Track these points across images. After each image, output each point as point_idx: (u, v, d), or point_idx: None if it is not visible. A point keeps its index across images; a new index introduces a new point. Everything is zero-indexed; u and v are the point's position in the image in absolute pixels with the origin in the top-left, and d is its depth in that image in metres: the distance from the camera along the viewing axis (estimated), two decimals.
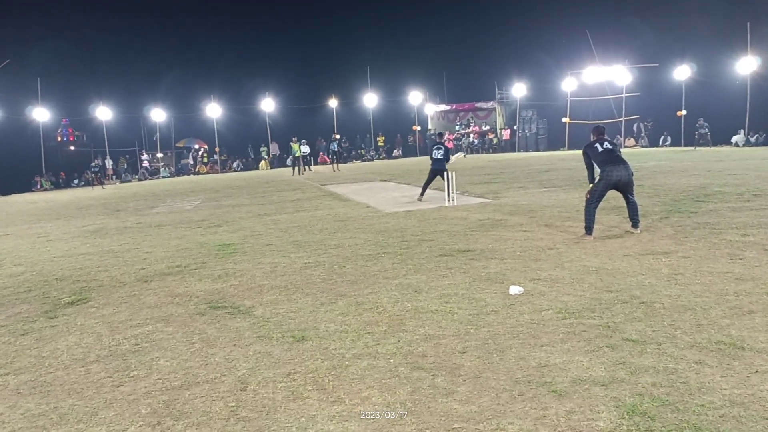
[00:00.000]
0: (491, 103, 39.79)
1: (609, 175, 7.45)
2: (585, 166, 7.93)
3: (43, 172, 33.15)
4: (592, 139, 7.88)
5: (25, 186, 31.34)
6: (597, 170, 7.59)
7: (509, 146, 37.85)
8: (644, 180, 13.63)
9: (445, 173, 12.19)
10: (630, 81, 32.13)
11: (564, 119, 34.72)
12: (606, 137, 7.86)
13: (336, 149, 30.40)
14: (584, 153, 7.92)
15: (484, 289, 5.37)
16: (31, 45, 36.01)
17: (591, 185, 7.68)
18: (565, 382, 3.40)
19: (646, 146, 32.51)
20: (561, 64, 34.29)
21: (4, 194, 28.56)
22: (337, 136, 31.48)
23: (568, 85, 34.53)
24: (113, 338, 4.73)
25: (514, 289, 5.21)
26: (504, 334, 4.22)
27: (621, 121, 32.66)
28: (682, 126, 30.13)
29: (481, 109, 40.49)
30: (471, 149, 38.11)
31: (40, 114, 32.97)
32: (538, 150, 35.76)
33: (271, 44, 49.26)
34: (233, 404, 3.42)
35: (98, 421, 3.34)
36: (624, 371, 3.49)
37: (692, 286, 5.07)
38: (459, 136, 39.03)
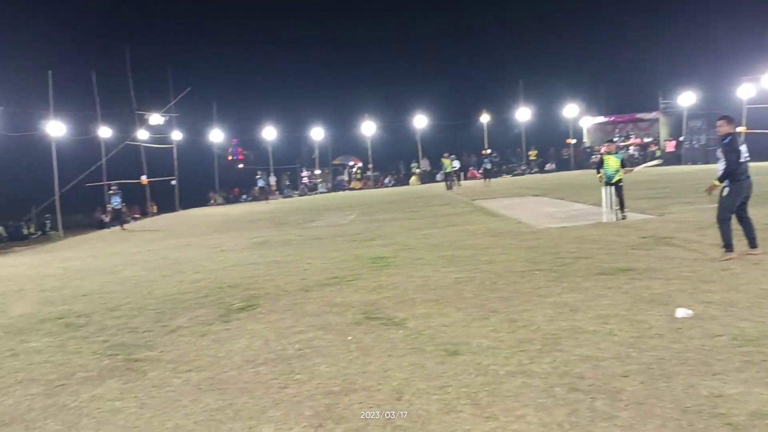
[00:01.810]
0: (654, 113, 37.39)
1: (741, 186, 6.98)
2: (726, 161, 6.97)
3: (217, 188, 36.38)
4: (730, 129, 7.10)
5: (202, 201, 34.59)
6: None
7: (674, 159, 35.27)
8: None
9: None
10: None
11: (739, 129, 31.75)
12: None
13: (489, 166, 30.28)
14: (733, 148, 6.93)
15: (647, 311, 5.07)
16: (208, 74, 39.83)
17: (721, 190, 7.03)
18: (742, 415, 3.13)
19: None
20: (735, 69, 31.42)
21: (184, 208, 31.72)
22: (488, 151, 31.32)
23: (745, 91, 31.53)
24: (279, 343, 5.08)
25: (682, 312, 4.86)
26: (670, 360, 3.96)
27: None
28: None
29: (642, 120, 38.18)
30: (631, 162, 36.04)
31: (216, 135, 36.27)
32: (707, 163, 32.99)
33: (424, 60, 50.18)
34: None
35: (267, 419, 3.61)
36: None
37: None
38: (618, 148, 37.12)
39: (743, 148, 7.04)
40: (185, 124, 34.47)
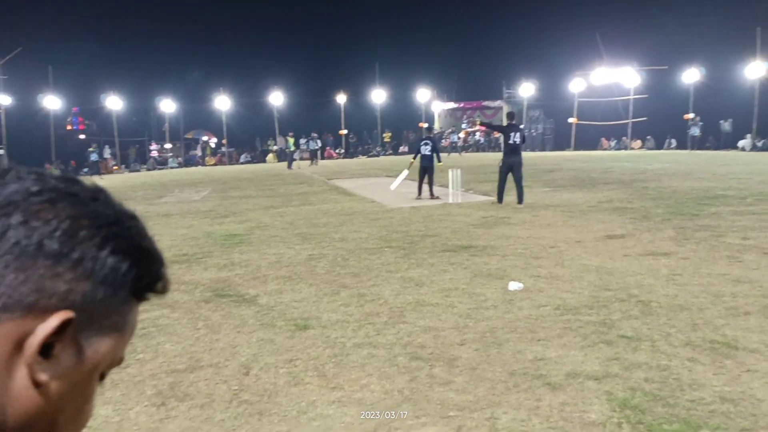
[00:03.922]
0: (498, 102, 39.77)
1: (507, 161, 10.64)
2: (494, 126, 13.79)
3: (53, 159, 33.35)
4: (506, 123, 11.09)
5: None
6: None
7: None
8: (648, 182, 13.69)
9: (432, 171, 12.48)
10: (638, 83, 32.11)
11: (571, 120, 34.72)
12: (518, 126, 10.99)
13: (317, 147, 30.84)
14: (502, 128, 11.31)
15: (484, 285, 5.46)
16: (42, 33, 36.18)
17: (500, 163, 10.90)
18: (559, 376, 3.49)
19: (652, 149, 32.52)
20: (569, 64, 34.26)
21: None
22: (315, 135, 31.60)
23: (576, 86, 34.50)
24: None
25: (514, 285, 5.29)
26: (502, 328, 4.31)
27: (628, 123, 32.66)
28: (689, 129, 30.14)
29: (488, 107, 40.48)
30: (477, 148, 38.13)
31: (51, 102, 33.15)
32: (544, 150, 35.78)
33: (281, 38, 49.38)
34: (236, 388, 3.52)
35: (105, 400, 3.44)
36: (617, 366, 3.58)
37: (690, 287, 5.15)
38: (468, 134, 39.09)
39: (512, 134, 10.63)
40: (15, 88, 31.20)
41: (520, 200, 10.44)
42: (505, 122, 11.04)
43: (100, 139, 34.65)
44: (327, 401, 3.30)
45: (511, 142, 10.59)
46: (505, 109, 39.12)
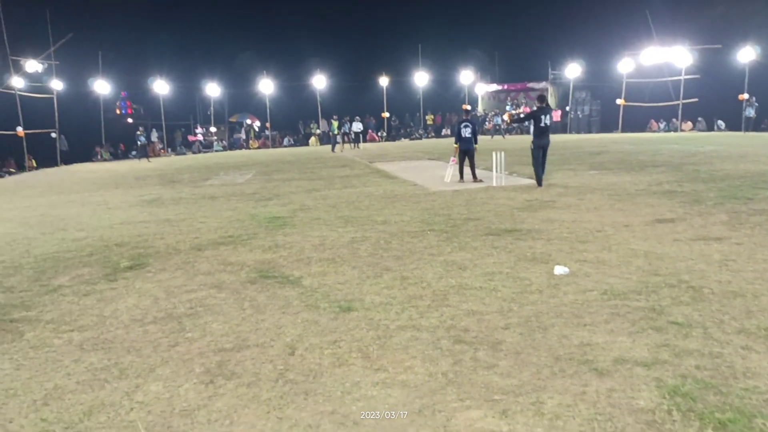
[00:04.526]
0: (543, 83, 38.98)
1: (539, 143, 10.78)
2: (524, 117, 12.87)
3: (103, 143, 34.26)
4: (538, 105, 11.03)
5: (86, 156, 32.49)
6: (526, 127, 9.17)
7: (560, 127, 37.05)
8: (700, 165, 13.25)
9: (473, 153, 12.44)
10: (690, 63, 30.95)
11: (619, 101, 33.78)
12: (549, 108, 11.11)
13: (360, 129, 30.79)
14: (532, 114, 11.21)
15: (529, 269, 5.39)
16: (92, 19, 36.96)
17: (531, 145, 10.96)
18: (606, 361, 3.43)
19: (703, 131, 31.45)
20: (617, 44, 33.16)
21: (66, 163, 29.71)
22: (358, 118, 31.42)
23: (625, 66, 33.48)
24: (169, 302, 4.97)
25: (559, 270, 5.21)
26: (547, 313, 4.25)
27: (678, 104, 31.62)
28: (743, 110, 28.99)
29: (533, 89, 39.71)
30: (522, 130, 37.54)
31: (101, 87, 33.95)
32: (590, 132, 34.97)
33: (324, 21, 49.25)
34: (282, 367, 3.58)
35: (155, 377, 3.55)
36: (667, 353, 3.49)
37: (744, 273, 4.98)
38: (512, 116, 38.46)
39: (543, 117, 10.75)
40: (67, 73, 32.04)
41: (539, 182, 10.92)
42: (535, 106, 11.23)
43: (148, 122, 35.40)
44: (371, 382, 3.32)
45: (542, 124, 10.82)
46: (551, 90, 38.45)
